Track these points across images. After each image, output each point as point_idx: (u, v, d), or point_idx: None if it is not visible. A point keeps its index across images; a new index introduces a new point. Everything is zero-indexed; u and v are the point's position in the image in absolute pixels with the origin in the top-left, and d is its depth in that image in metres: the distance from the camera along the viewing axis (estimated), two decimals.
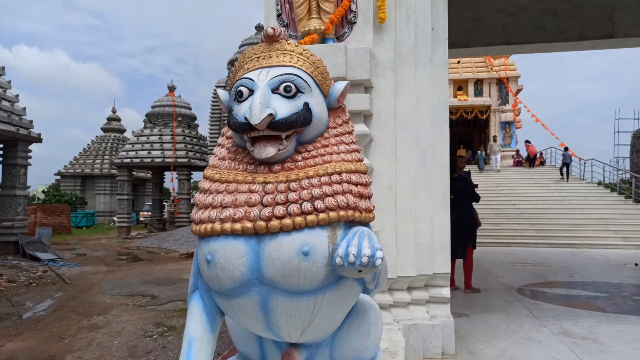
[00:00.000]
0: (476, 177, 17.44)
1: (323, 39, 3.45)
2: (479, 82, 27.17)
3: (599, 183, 18.76)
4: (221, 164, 1.90)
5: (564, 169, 18.70)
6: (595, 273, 7.78)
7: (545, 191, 16.99)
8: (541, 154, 25.10)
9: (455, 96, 27.19)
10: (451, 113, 27.54)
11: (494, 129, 26.79)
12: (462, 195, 6.11)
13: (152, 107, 24.70)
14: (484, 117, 27.22)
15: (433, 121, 3.71)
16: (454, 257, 6.27)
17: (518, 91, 27.21)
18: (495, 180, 18.65)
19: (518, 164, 23.48)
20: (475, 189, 6.35)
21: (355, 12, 3.51)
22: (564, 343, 3.94)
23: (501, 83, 26.78)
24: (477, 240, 12.71)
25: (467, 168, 7.71)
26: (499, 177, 19.17)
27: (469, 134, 31.14)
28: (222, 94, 1.99)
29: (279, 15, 3.63)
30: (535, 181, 18.59)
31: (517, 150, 25.17)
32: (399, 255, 3.54)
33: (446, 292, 3.72)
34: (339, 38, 3.53)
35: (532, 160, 22.43)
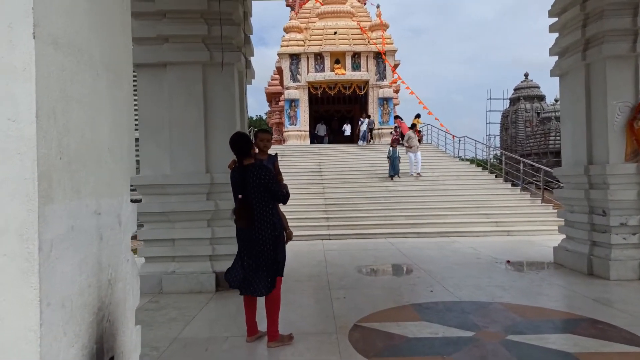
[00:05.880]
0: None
1: None
2: (356, 55, 25.53)
3: (472, 161, 18.05)
4: None
5: (369, 135, 21.69)
6: (462, 280, 6.02)
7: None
8: (419, 131, 24.29)
9: (332, 69, 25.35)
10: (329, 88, 25.87)
11: (372, 106, 25.47)
12: (258, 193, 3.76)
13: None
14: (362, 92, 25.77)
15: None
16: (252, 294, 3.95)
17: (396, 66, 26.11)
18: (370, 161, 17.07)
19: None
20: (280, 177, 4.06)
21: None
22: None
23: (379, 57, 25.40)
24: (337, 232, 10.42)
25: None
26: (369, 153, 17.57)
27: (350, 111, 29.73)
28: None
29: None
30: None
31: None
32: None
33: None
34: None
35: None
